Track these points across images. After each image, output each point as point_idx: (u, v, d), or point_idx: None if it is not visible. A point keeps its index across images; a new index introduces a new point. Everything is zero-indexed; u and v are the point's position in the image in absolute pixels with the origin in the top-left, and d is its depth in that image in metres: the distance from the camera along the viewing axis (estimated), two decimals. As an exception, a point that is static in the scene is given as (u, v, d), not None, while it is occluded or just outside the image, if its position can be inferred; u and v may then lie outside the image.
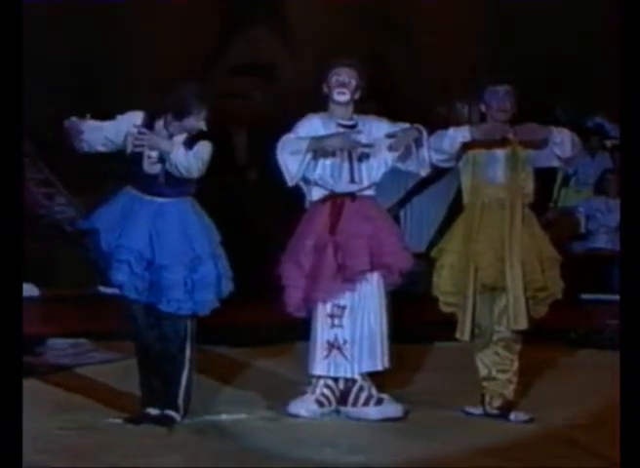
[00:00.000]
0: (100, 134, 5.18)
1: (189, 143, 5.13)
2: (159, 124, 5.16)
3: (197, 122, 5.12)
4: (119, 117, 5.22)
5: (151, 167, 5.13)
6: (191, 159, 5.08)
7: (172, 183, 5.14)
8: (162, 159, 5.10)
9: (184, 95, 5.16)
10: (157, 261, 5.07)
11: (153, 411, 5.19)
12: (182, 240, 5.11)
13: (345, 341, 5.42)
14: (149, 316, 5.13)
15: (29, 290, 8.89)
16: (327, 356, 5.41)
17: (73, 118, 5.23)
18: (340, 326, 5.43)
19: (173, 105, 5.13)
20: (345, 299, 5.43)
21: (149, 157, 5.12)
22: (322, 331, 5.43)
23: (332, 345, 5.42)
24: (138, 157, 5.13)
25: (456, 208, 7.81)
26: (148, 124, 5.14)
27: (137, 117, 5.16)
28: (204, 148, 5.14)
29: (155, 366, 5.17)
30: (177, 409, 5.17)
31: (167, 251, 5.07)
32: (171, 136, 5.14)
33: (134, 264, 5.04)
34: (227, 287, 5.20)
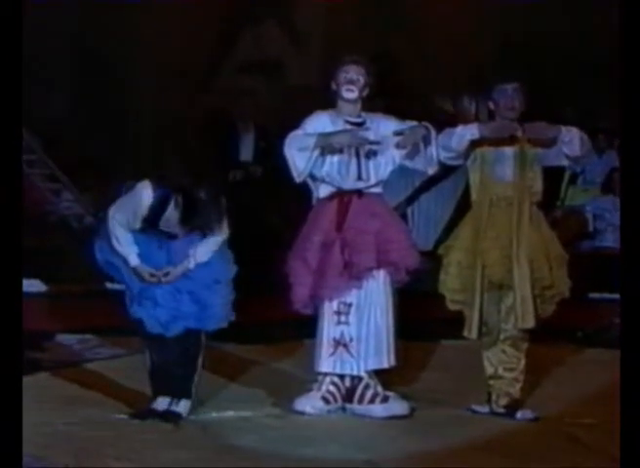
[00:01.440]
0: (128, 235, 5.18)
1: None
2: (170, 207, 5.09)
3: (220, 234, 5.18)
4: (127, 204, 5.11)
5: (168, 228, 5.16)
6: (210, 252, 5.17)
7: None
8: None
9: (209, 212, 5.10)
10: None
11: (161, 405, 5.19)
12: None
13: (352, 339, 5.41)
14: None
15: (36, 285, 8.91)
16: (333, 353, 5.41)
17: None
18: (347, 323, 5.43)
19: (197, 223, 5.11)
20: (352, 297, 5.42)
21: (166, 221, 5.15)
22: (328, 329, 5.42)
23: (338, 342, 5.42)
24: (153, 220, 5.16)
25: (463, 206, 7.81)
26: (159, 207, 5.08)
27: (145, 194, 5.07)
28: (218, 242, 5.21)
29: (170, 354, 5.19)
30: (189, 396, 5.18)
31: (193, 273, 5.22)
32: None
33: (157, 297, 5.17)
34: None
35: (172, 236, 5.19)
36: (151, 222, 5.12)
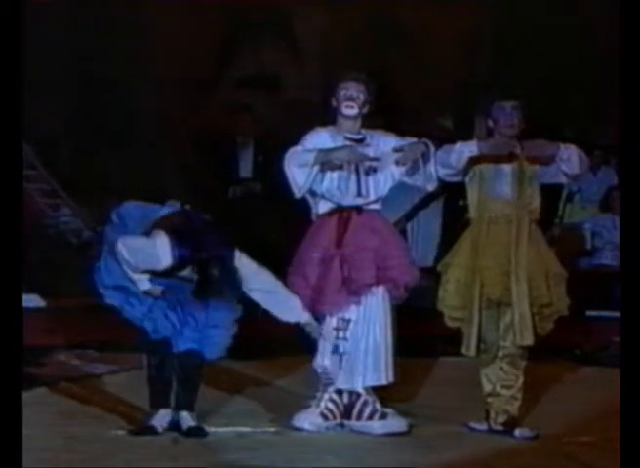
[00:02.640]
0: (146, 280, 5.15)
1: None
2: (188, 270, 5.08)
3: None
4: (140, 251, 5.03)
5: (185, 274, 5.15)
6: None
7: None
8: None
9: (222, 290, 5.08)
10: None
11: (162, 420, 5.19)
12: None
13: (350, 354, 5.41)
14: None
15: (35, 301, 8.90)
16: (333, 369, 5.41)
17: None
18: (345, 338, 5.43)
19: (209, 296, 5.10)
20: (351, 312, 5.43)
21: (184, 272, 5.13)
22: (327, 345, 5.42)
23: (337, 358, 5.41)
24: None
25: (453, 222, 7.81)
26: (177, 268, 5.05)
27: (163, 253, 5.00)
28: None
29: (172, 370, 5.22)
30: (192, 409, 5.20)
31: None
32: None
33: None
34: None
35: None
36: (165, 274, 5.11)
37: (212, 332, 5.21)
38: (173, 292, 5.15)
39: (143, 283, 5.10)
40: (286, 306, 5.25)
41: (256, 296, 5.19)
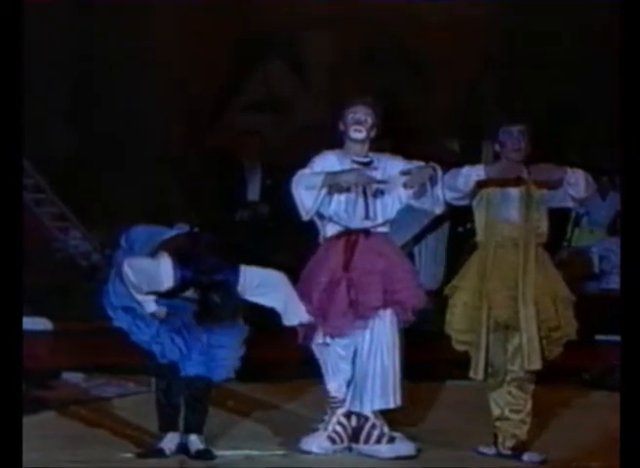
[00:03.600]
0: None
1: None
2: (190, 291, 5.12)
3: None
4: (143, 273, 5.07)
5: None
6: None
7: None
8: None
9: (222, 317, 5.11)
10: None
11: (171, 443, 5.19)
12: None
13: (358, 378, 5.41)
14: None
15: (43, 323, 8.91)
16: (341, 392, 5.40)
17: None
18: (353, 362, 5.43)
19: (210, 322, 5.13)
20: (358, 336, 5.43)
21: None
22: (335, 368, 5.42)
23: (345, 381, 5.41)
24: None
25: (461, 246, 7.80)
26: (179, 290, 5.09)
27: (165, 275, 5.05)
28: None
29: (180, 394, 5.22)
30: (200, 432, 5.21)
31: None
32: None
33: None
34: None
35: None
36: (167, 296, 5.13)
37: (219, 354, 5.22)
38: (178, 313, 5.16)
39: (149, 305, 5.11)
40: (291, 309, 5.25)
41: (262, 300, 5.20)
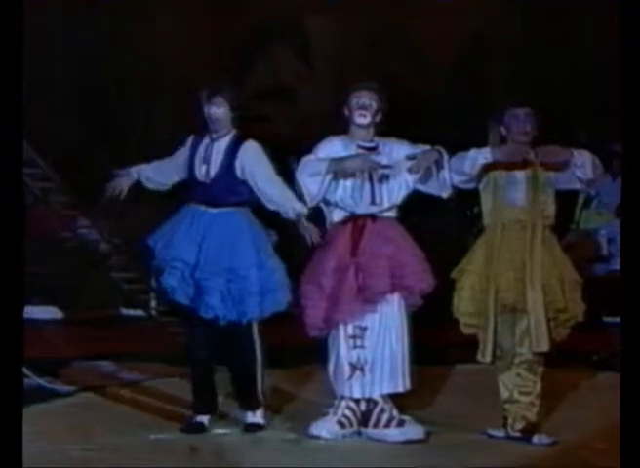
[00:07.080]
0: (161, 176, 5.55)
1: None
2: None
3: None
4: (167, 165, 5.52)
5: (202, 175, 5.39)
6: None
7: (223, 193, 5.36)
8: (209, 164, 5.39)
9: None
10: (199, 270, 5.31)
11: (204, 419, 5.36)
12: (223, 250, 5.34)
13: (367, 362, 5.42)
14: (209, 331, 5.33)
15: (53, 312, 8.95)
16: (350, 377, 5.42)
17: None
18: (362, 347, 5.44)
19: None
20: (367, 320, 5.44)
21: (200, 165, 5.40)
22: (344, 353, 5.44)
23: (354, 366, 5.43)
24: (190, 166, 5.42)
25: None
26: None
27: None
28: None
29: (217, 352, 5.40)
30: (258, 405, 5.37)
31: (208, 260, 5.32)
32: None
33: (184, 271, 5.29)
34: (278, 299, 5.37)
35: None
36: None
37: (237, 294, 5.29)
38: None
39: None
40: (283, 195, 5.39)
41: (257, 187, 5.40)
